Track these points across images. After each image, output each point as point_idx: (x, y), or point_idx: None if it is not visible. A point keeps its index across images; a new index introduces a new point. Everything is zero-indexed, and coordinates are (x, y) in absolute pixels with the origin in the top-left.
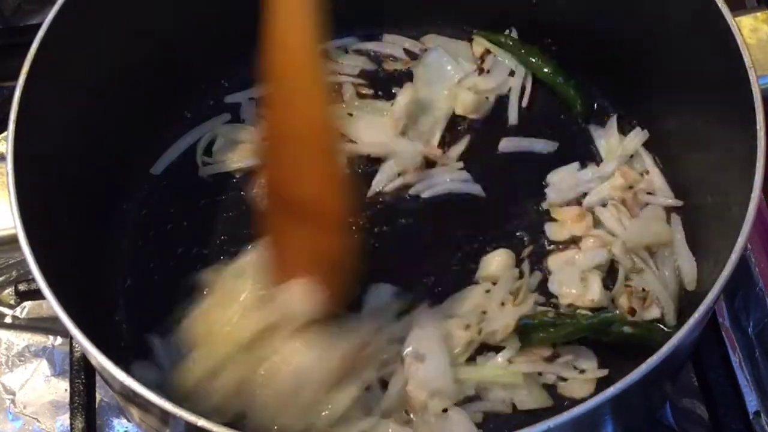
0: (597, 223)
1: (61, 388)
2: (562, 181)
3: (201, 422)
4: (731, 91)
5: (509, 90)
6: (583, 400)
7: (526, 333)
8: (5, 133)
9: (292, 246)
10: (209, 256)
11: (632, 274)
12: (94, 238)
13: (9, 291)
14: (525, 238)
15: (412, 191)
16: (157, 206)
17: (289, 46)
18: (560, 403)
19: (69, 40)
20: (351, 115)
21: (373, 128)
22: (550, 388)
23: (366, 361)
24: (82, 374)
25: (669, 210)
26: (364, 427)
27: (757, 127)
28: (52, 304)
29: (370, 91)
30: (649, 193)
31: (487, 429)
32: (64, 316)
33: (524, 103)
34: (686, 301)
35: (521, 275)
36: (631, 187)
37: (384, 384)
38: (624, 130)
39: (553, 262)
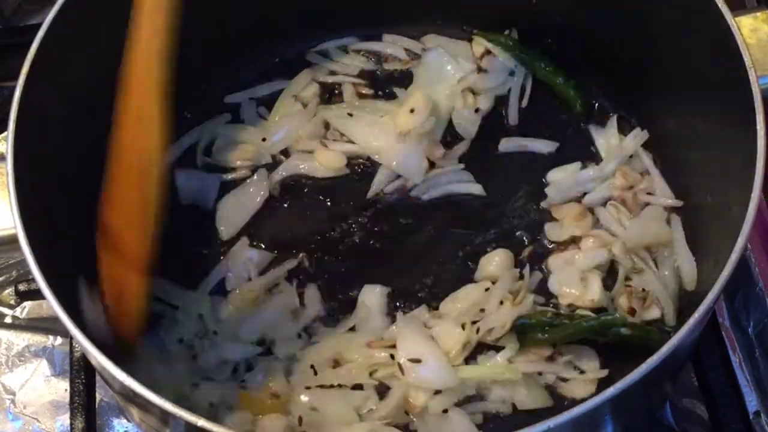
0: (597, 223)
1: (61, 388)
2: (562, 179)
3: (201, 422)
4: (731, 91)
5: (509, 90)
6: (583, 400)
7: (523, 333)
8: (5, 133)
9: (101, 267)
10: (209, 256)
11: (632, 274)
12: (94, 239)
13: (9, 291)
14: (525, 238)
15: (412, 192)
16: None
17: (137, 74)
18: (560, 403)
19: (69, 40)
20: (351, 115)
21: (373, 128)
22: (551, 389)
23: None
24: (82, 374)
25: (669, 210)
26: (364, 429)
27: (757, 127)
28: (52, 304)
29: (370, 91)
30: (649, 193)
31: (487, 430)
32: (64, 316)
33: (524, 103)
34: (686, 302)
35: (521, 275)
36: (631, 187)
37: (379, 389)
38: (624, 130)
39: (553, 262)
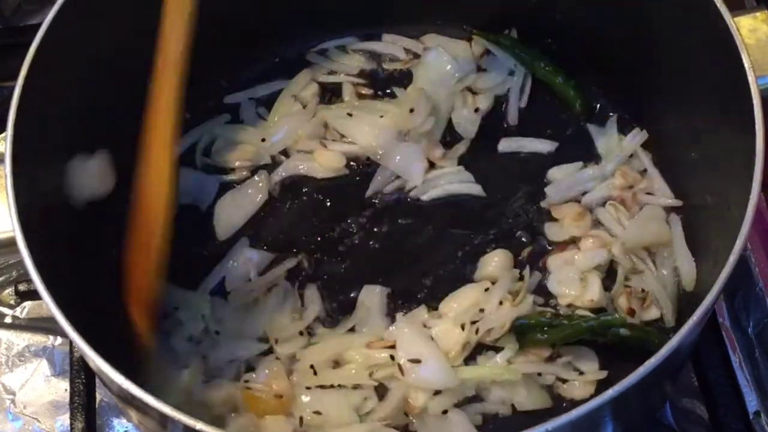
0: (596, 223)
1: (61, 388)
2: (562, 179)
3: (199, 426)
4: (730, 91)
5: (509, 90)
6: (583, 401)
7: (522, 333)
8: (4, 134)
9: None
10: (209, 256)
11: (631, 275)
12: (93, 240)
13: (9, 291)
14: (524, 238)
15: (411, 192)
16: None
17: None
18: (560, 404)
19: (69, 40)
20: (350, 115)
21: (372, 128)
22: (550, 389)
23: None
24: (82, 374)
25: (668, 210)
26: (363, 430)
27: (756, 127)
28: (50, 307)
29: (370, 91)
30: (648, 193)
31: (487, 430)
32: (62, 319)
33: (523, 103)
34: (685, 302)
35: (521, 275)
36: (630, 187)
37: (379, 389)
38: (624, 130)
39: (553, 262)
